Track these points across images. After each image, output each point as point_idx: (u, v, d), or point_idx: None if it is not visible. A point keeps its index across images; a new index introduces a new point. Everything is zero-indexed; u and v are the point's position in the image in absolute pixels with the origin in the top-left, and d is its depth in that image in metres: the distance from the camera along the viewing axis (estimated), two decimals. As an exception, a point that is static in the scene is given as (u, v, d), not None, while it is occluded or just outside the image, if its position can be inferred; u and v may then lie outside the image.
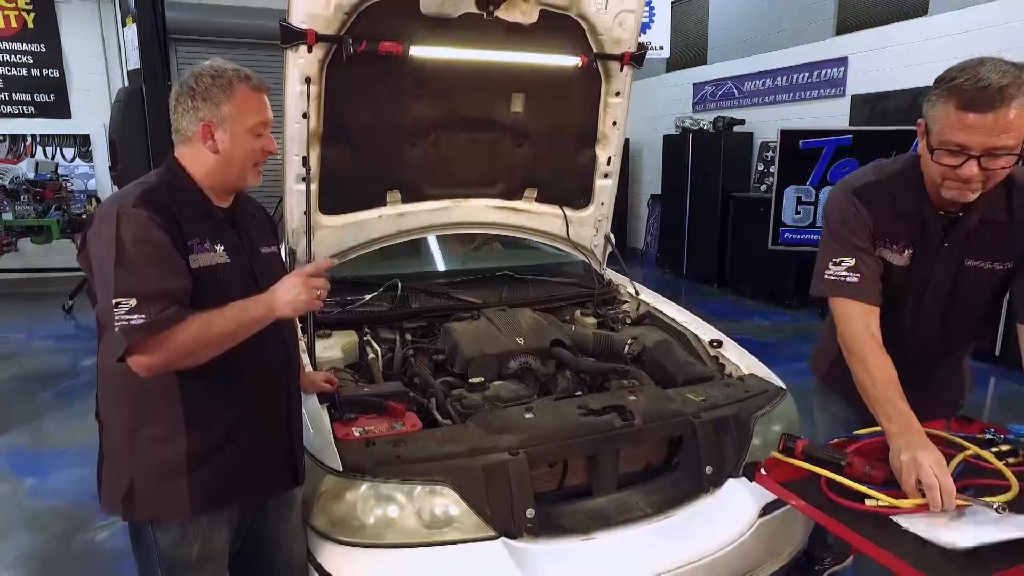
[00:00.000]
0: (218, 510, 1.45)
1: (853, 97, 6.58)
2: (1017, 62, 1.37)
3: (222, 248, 1.43)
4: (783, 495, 1.35)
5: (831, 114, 6.67)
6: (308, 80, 2.32)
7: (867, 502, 1.26)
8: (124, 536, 2.64)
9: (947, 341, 1.74)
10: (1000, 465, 1.35)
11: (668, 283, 8.49)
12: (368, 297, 2.67)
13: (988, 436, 1.54)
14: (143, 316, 1.24)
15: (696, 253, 8.38)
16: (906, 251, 1.62)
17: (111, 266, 1.27)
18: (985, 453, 1.40)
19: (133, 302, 1.24)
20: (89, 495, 3.00)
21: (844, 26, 6.76)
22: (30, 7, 7.31)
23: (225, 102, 1.40)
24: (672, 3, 9.00)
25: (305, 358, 2.11)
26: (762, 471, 1.41)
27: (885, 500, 1.25)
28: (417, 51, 2.43)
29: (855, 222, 1.62)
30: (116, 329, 1.25)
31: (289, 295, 1.37)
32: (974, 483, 1.33)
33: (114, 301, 1.25)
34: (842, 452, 1.38)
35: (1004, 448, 1.48)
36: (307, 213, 2.48)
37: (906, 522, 1.20)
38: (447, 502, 1.65)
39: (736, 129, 7.78)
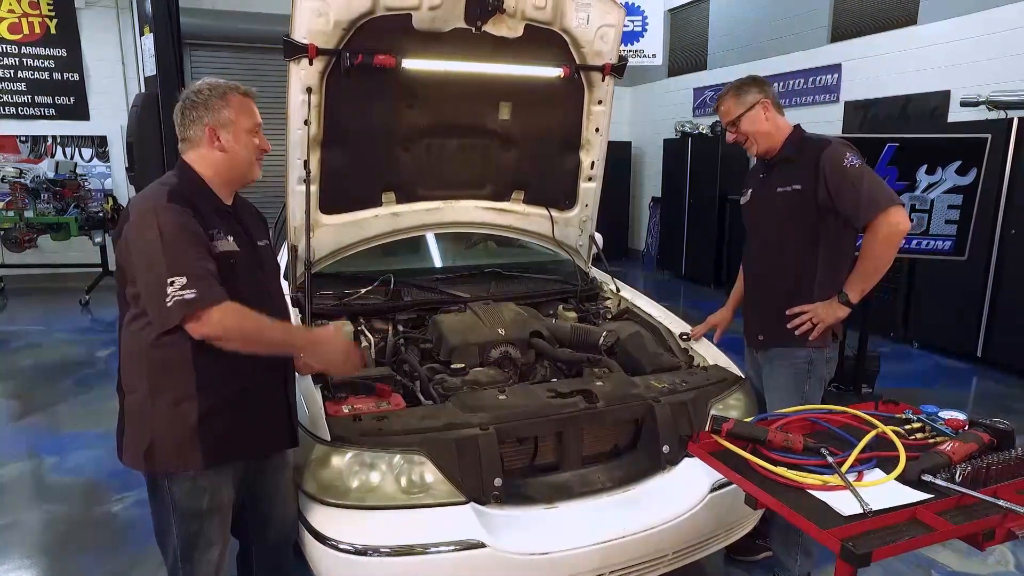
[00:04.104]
0: (225, 464, 1.67)
1: (846, 103, 6.72)
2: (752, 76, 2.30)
3: (232, 239, 1.66)
4: (709, 462, 1.54)
5: (826, 119, 6.82)
6: (309, 90, 2.51)
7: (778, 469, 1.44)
8: (137, 507, 2.92)
9: (784, 262, 2.28)
10: (897, 441, 1.52)
11: (667, 284, 8.66)
12: (363, 291, 2.88)
13: (905, 416, 1.72)
14: (194, 291, 1.48)
15: (694, 255, 8.54)
16: (748, 191, 2.44)
17: (158, 253, 1.49)
18: (888, 430, 1.58)
19: (184, 280, 1.48)
20: (106, 472, 3.26)
21: (838, 34, 6.91)
22: (52, 14, 7.60)
23: (224, 108, 1.64)
24: (672, 11, 9.20)
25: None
26: (694, 441, 1.60)
27: (791, 476, 1.42)
28: (410, 63, 2.62)
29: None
30: (170, 303, 1.47)
31: (336, 356, 1.72)
32: (877, 455, 1.51)
33: (168, 280, 1.47)
34: (763, 428, 1.56)
35: (915, 426, 1.66)
36: (308, 212, 2.68)
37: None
38: (423, 470, 1.85)
39: (734, 134, 7.93)
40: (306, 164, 2.62)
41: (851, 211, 2.10)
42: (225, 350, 1.54)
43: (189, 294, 1.47)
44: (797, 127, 2.29)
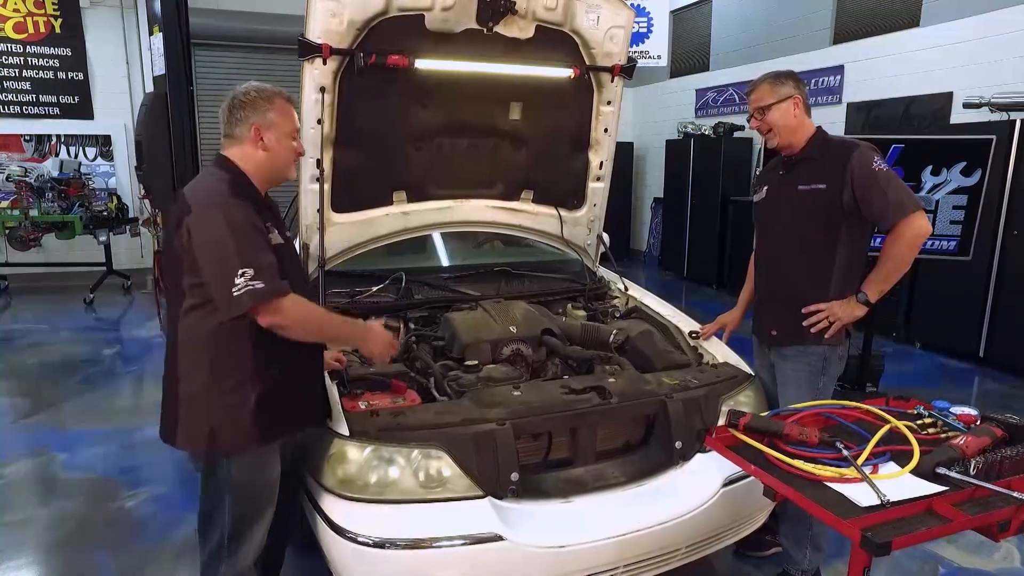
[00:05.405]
0: (280, 439, 1.79)
1: (849, 105, 6.76)
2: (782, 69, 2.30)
3: (277, 232, 1.76)
4: (727, 455, 1.57)
5: (828, 121, 6.84)
6: (323, 89, 2.53)
7: (794, 462, 1.47)
8: (149, 504, 2.95)
9: (802, 260, 2.27)
10: (910, 436, 1.55)
11: (669, 284, 8.67)
12: (375, 289, 2.90)
13: (917, 411, 1.75)
14: (262, 282, 1.59)
15: (697, 255, 8.56)
16: (764, 188, 2.41)
17: (228, 245, 1.59)
18: (901, 425, 1.61)
19: (252, 272, 1.59)
20: (116, 469, 3.28)
21: (840, 35, 6.94)
22: (57, 13, 7.62)
23: (270, 110, 1.74)
24: (675, 12, 9.22)
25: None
26: (711, 436, 1.62)
27: (809, 469, 1.45)
28: (422, 63, 2.64)
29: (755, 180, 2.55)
30: (238, 292, 1.57)
31: (383, 348, 1.96)
32: (891, 448, 1.53)
33: (239, 271, 1.57)
34: (780, 423, 1.59)
35: (927, 421, 1.69)
36: (320, 211, 2.71)
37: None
38: (441, 464, 1.88)
39: (736, 135, 7.98)
40: (319, 163, 2.65)
41: (878, 214, 2.12)
42: (286, 337, 1.68)
43: (258, 285, 1.59)
44: (820, 128, 2.31)
